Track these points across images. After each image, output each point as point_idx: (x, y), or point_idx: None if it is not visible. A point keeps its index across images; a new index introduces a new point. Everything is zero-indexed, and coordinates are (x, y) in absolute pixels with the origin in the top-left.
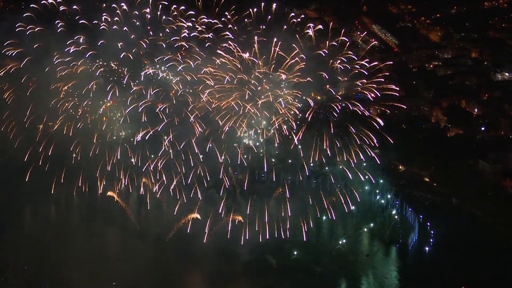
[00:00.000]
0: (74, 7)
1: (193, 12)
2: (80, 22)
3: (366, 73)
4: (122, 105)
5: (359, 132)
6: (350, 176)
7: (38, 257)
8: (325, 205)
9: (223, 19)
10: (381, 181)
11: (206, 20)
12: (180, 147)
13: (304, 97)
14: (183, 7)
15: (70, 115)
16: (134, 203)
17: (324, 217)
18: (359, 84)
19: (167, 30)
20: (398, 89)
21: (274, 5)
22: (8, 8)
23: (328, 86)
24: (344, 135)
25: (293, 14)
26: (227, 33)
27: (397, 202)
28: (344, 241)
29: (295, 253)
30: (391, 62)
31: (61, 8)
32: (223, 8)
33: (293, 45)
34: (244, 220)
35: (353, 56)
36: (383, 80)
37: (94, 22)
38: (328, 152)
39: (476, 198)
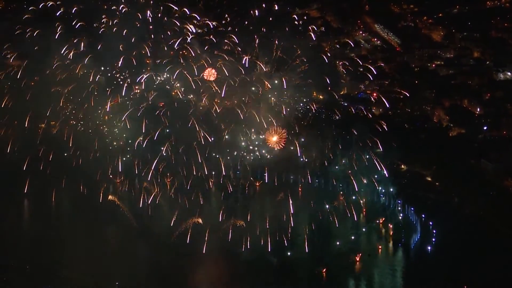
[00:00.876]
0: (75, 9)
1: (195, 15)
2: (80, 24)
3: (369, 73)
4: (123, 107)
5: (361, 132)
6: (351, 176)
7: (40, 257)
8: (326, 206)
9: (224, 21)
10: (383, 180)
11: (208, 22)
12: (181, 150)
13: (306, 98)
14: (184, 9)
15: (70, 119)
16: (135, 206)
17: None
18: (362, 84)
19: (168, 32)
20: (401, 91)
21: (276, 6)
22: (10, 7)
23: (330, 86)
24: (346, 135)
25: (295, 16)
26: (229, 34)
27: (399, 202)
28: (352, 238)
29: (288, 253)
30: (394, 63)
31: (61, 9)
32: (224, 9)
33: (295, 45)
34: (245, 224)
35: (355, 57)
36: (386, 82)
37: (95, 24)
38: (330, 153)
39: (478, 197)
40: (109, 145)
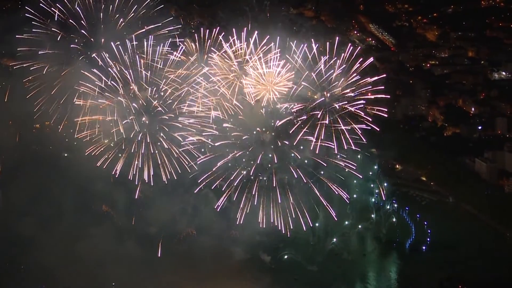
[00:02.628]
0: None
1: (189, 19)
2: (74, 23)
3: (364, 73)
4: (117, 107)
5: (355, 131)
6: (345, 176)
7: (35, 257)
8: (320, 206)
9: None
10: (378, 180)
11: (201, 21)
12: (177, 149)
13: (299, 98)
14: (179, 8)
15: (64, 120)
16: (131, 208)
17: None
18: (356, 84)
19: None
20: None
21: (270, 4)
22: (5, 7)
23: (324, 86)
24: (340, 134)
25: (289, 18)
26: (222, 33)
27: (393, 201)
28: (347, 238)
29: (282, 253)
30: (389, 63)
31: (56, 9)
32: (217, 8)
33: (289, 44)
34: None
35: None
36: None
37: (88, 26)
38: (324, 153)
39: (473, 197)
40: (104, 146)
